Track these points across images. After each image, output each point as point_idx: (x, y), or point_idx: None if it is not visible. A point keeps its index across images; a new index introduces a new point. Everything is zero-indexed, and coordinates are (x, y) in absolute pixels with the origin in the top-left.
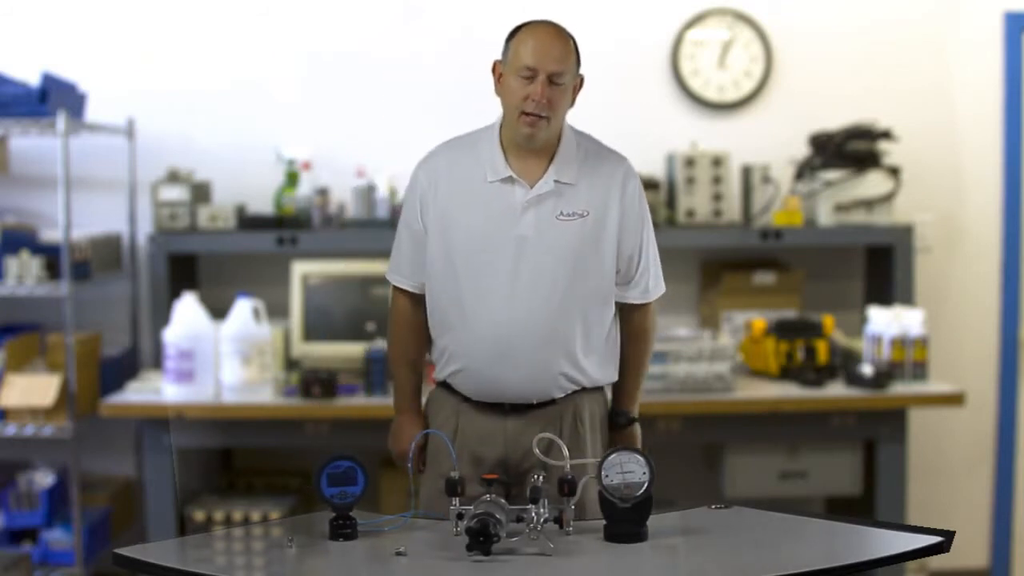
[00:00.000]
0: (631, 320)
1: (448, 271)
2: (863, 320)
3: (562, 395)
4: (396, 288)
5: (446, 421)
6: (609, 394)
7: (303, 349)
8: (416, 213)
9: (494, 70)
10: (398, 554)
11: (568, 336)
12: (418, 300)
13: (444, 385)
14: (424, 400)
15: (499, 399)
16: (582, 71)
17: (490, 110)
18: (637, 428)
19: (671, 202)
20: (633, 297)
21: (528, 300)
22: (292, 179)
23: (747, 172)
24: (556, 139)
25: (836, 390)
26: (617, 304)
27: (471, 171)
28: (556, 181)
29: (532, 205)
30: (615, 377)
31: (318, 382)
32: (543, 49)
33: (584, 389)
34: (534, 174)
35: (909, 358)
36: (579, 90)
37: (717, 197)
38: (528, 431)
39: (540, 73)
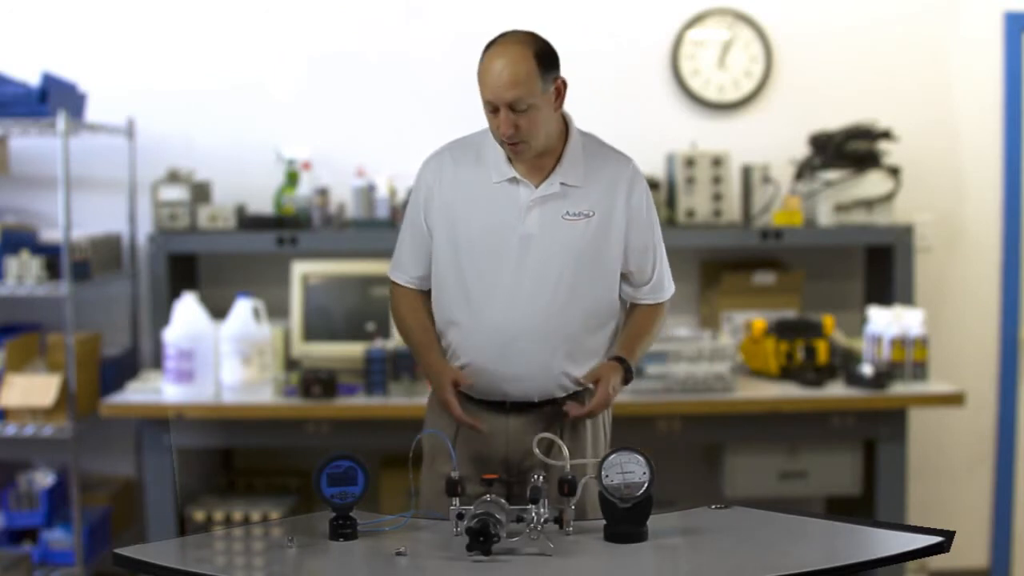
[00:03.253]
0: (644, 307)
1: (453, 269)
2: (863, 320)
3: (564, 395)
4: (397, 285)
5: (449, 421)
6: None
7: (303, 349)
8: (420, 211)
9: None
10: (398, 554)
11: (571, 335)
12: (419, 295)
13: None
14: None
15: (501, 397)
16: (586, 70)
17: None
18: (619, 376)
19: (671, 202)
20: (646, 297)
21: (532, 298)
22: (292, 179)
23: (747, 172)
24: (560, 142)
25: (836, 390)
26: (628, 304)
27: (476, 172)
28: (562, 184)
29: (537, 205)
30: None
31: (318, 382)
32: (493, 81)
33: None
34: (539, 175)
35: (909, 358)
36: (563, 92)
37: (717, 197)
38: (530, 430)
39: (499, 106)
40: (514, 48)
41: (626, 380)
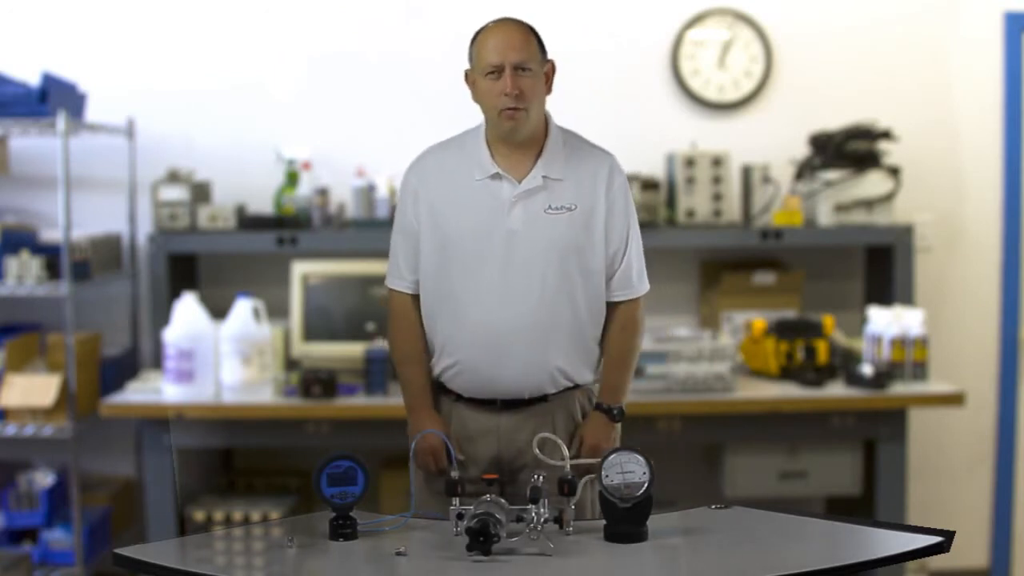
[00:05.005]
0: (616, 316)
1: (440, 268)
2: (863, 320)
3: (555, 391)
4: (394, 291)
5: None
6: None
7: (303, 349)
8: (408, 215)
9: (467, 79)
10: (398, 554)
11: (560, 330)
12: (418, 300)
13: (437, 384)
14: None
15: (492, 395)
16: (586, 70)
17: None
18: (618, 427)
19: (671, 202)
20: (617, 294)
21: (519, 294)
22: (292, 179)
23: (747, 172)
24: (542, 134)
25: (836, 390)
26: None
27: (459, 170)
28: (544, 177)
29: (520, 199)
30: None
31: (318, 382)
32: (501, 43)
33: (577, 386)
34: (521, 170)
35: (909, 358)
36: (552, 75)
37: (717, 197)
38: (521, 428)
39: (505, 67)
40: (515, 22)
41: (617, 419)
